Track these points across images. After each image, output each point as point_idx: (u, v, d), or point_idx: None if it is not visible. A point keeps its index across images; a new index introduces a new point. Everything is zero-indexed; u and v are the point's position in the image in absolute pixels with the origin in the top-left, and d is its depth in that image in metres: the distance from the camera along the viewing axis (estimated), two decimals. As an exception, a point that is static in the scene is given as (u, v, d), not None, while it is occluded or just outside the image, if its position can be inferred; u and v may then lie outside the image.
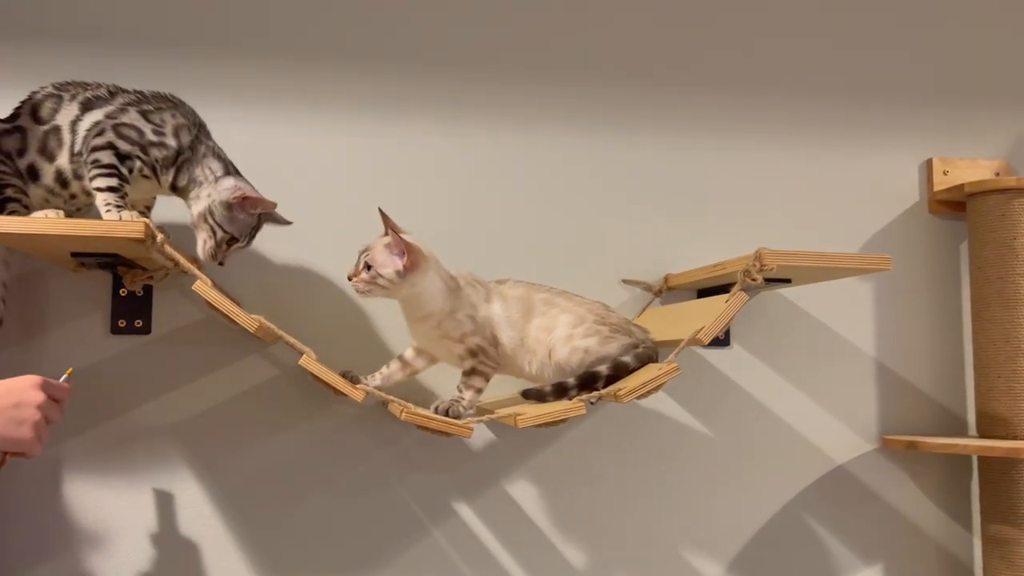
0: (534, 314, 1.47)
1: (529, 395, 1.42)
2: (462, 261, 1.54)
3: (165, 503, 1.59)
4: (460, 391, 1.44)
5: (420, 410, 1.39)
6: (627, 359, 1.42)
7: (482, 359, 1.44)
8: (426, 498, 1.67)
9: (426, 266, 1.41)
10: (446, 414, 1.38)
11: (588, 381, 1.40)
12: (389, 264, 1.39)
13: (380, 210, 1.41)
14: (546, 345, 1.45)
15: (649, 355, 1.45)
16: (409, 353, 1.52)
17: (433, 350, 1.49)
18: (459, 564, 1.67)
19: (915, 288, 1.89)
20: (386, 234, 1.41)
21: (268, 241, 1.65)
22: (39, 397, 1.17)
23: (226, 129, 1.49)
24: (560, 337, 1.45)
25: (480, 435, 1.70)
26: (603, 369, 1.41)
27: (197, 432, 1.60)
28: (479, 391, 1.44)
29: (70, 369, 1.33)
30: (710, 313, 1.42)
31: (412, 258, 1.39)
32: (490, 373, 1.45)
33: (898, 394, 1.86)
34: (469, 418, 1.41)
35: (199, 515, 1.59)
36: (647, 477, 1.76)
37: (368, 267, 1.40)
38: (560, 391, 1.40)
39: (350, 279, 1.42)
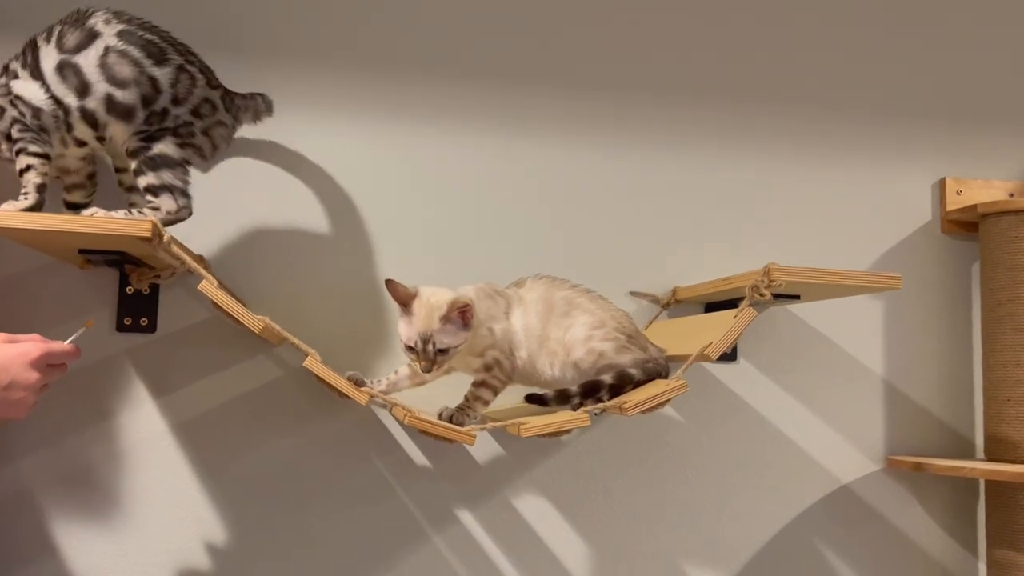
0: (555, 313, 1.46)
1: (532, 399, 1.42)
2: (471, 272, 1.54)
3: (166, 503, 1.58)
4: (467, 400, 1.43)
5: (424, 415, 1.38)
6: (633, 371, 1.41)
7: (496, 372, 1.43)
8: (428, 505, 1.67)
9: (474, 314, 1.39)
10: (450, 420, 1.38)
11: (591, 389, 1.39)
12: (460, 337, 1.37)
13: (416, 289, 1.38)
14: (565, 345, 1.44)
15: (658, 371, 1.44)
16: None
17: (454, 362, 1.47)
18: (460, 572, 1.66)
19: (925, 308, 1.87)
20: (448, 313, 1.36)
21: (275, 242, 1.65)
22: (32, 377, 1.14)
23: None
24: (579, 337, 1.44)
25: (484, 444, 1.69)
26: (607, 378, 1.40)
27: (200, 432, 1.60)
28: (486, 403, 1.44)
29: (89, 322, 1.31)
30: (718, 328, 1.41)
31: (469, 320, 1.37)
32: (500, 387, 1.44)
33: (905, 414, 1.85)
34: (472, 426, 1.41)
35: (199, 516, 1.59)
36: (651, 490, 1.74)
37: (441, 351, 1.36)
38: (562, 398, 1.40)
39: (427, 371, 1.37)
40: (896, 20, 1.93)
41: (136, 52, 1.33)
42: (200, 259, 1.53)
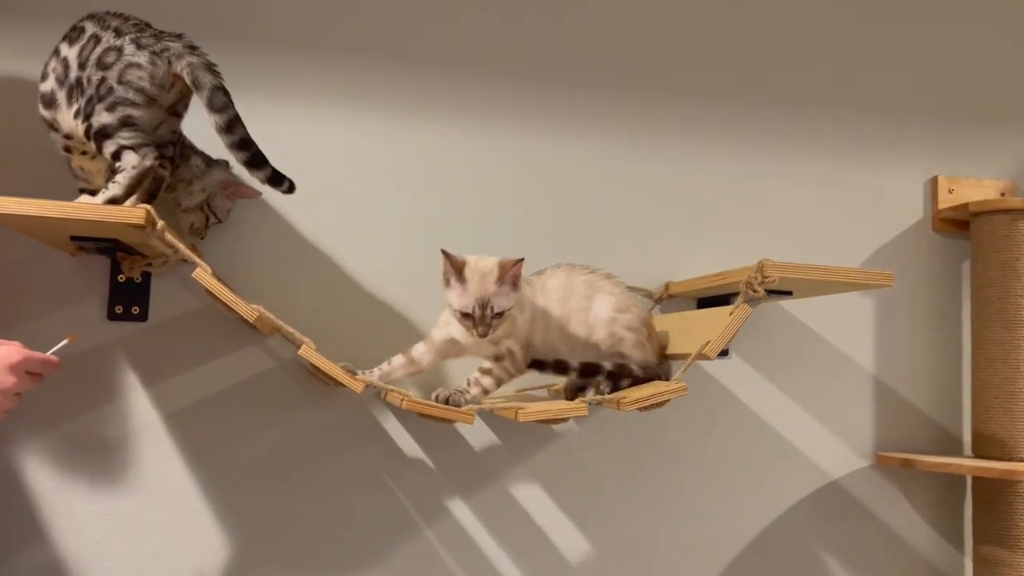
0: (575, 297, 1.47)
1: (531, 365, 1.43)
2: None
3: (155, 491, 1.57)
4: (468, 384, 1.42)
5: (420, 399, 1.37)
6: (635, 368, 1.43)
7: (506, 364, 1.43)
8: (420, 496, 1.66)
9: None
10: (447, 403, 1.37)
11: (590, 371, 1.41)
12: (512, 298, 1.37)
13: (451, 256, 1.38)
14: (588, 324, 1.45)
15: (658, 375, 1.46)
16: (418, 350, 1.48)
17: (474, 348, 1.46)
18: (451, 564, 1.66)
19: (916, 305, 1.88)
20: (501, 275, 1.36)
21: (268, 233, 1.64)
22: (8, 381, 1.14)
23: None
24: (603, 318, 1.45)
25: (478, 434, 1.69)
26: (607, 365, 1.42)
27: (190, 422, 1.59)
28: (486, 391, 1.43)
29: (73, 335, 1.30)
30: (713, 326, 1.41)
31: (518, 280, 1.38)
32: (505, 380, 1.44)
33: (895, 411, 1.86)
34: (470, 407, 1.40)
35: (190, 505, 1.58)
36: (642, 483, 1.75)
37: (498, 315, 1.37)
38: (560, 368, 1.42)
39: (484, 336, 1.37)
40: (889, 20, 1.94)
41: (60, 44, 1.39)
42: (193, 248, 1.52)
